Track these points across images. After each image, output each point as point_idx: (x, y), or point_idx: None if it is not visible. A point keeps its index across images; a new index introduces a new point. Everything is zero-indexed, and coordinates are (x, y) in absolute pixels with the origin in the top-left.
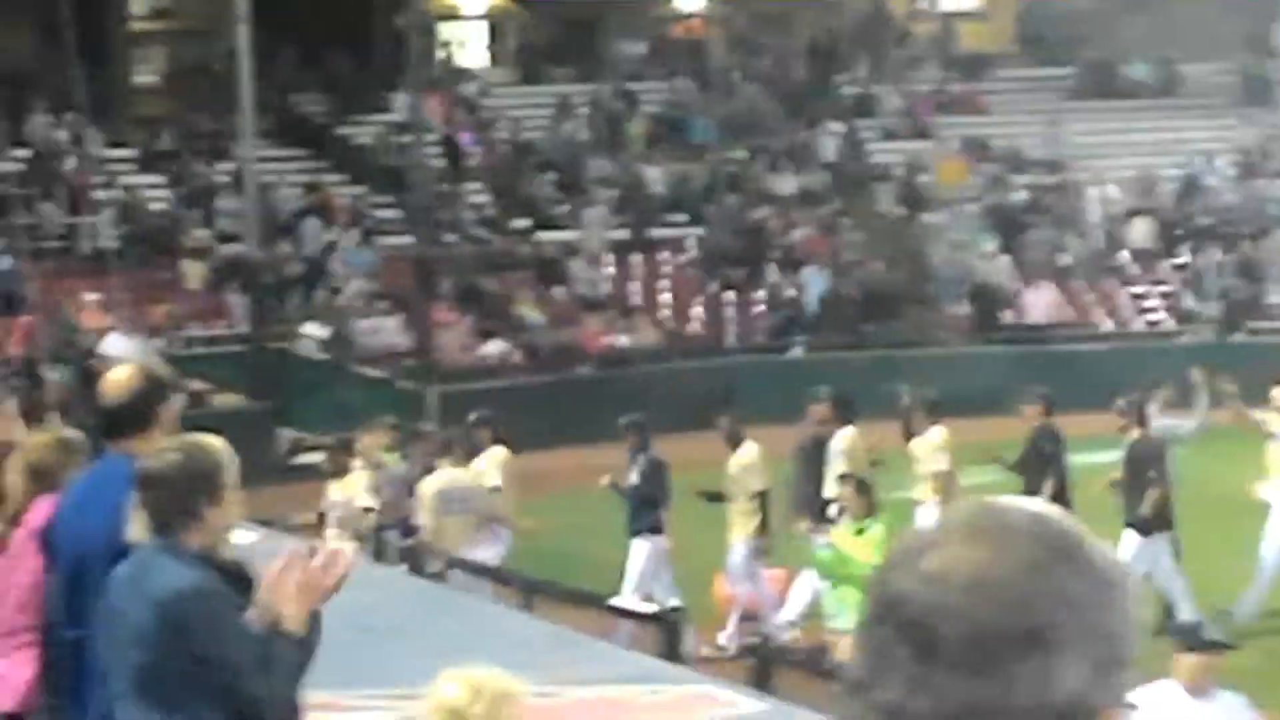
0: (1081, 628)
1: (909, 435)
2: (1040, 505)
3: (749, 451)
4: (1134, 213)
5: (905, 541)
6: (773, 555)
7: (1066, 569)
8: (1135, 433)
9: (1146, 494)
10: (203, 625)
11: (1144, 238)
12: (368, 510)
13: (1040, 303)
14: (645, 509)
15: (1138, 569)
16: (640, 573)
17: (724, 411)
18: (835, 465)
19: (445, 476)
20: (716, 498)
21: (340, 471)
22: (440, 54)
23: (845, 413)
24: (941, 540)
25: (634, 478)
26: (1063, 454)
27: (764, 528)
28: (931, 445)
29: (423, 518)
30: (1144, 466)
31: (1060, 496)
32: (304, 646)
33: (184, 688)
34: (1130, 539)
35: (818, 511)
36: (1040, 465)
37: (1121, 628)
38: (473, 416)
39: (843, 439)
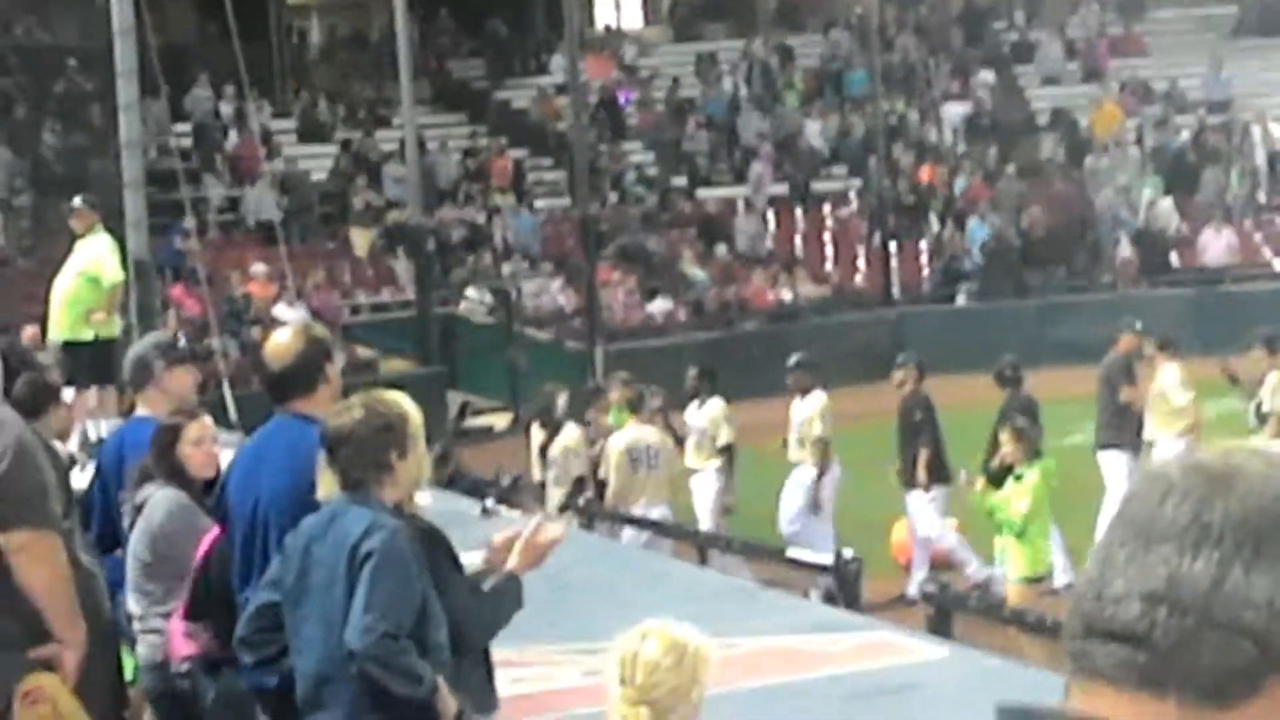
0: None
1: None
2: None
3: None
4: None
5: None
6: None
7: None
8: (909, 387)
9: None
10: (395, 565)
11: None
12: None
13: (1217, 245)
14: None
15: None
16: None
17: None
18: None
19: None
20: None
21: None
22: (596, 14)
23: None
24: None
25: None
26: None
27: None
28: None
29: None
30: (917, 421)
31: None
32: (511, 605)
33: None
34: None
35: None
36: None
37: None
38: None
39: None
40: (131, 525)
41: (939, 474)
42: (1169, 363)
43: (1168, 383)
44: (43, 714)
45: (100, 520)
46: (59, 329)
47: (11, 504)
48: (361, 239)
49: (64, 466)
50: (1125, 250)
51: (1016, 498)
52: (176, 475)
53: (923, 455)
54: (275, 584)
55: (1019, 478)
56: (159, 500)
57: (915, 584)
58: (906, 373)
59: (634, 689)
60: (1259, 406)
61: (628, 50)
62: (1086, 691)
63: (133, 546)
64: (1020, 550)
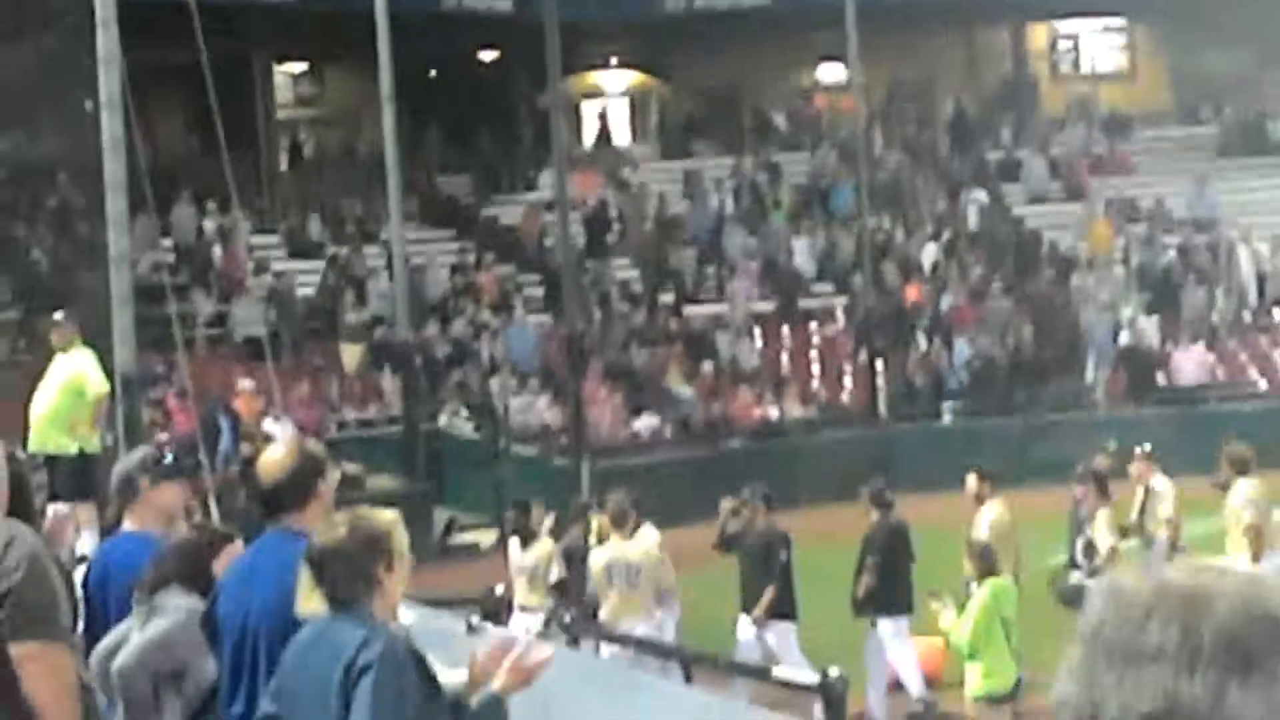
0: None
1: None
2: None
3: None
4: None
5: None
6: None
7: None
8: (759, 521)
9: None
10: (393, 677)
11: None
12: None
13: (1190, 364)
14: None
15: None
16: None
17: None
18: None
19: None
20: None
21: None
22: (584, 131)
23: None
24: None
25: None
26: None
27: None
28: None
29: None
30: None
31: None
32: None
33: None
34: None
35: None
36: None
37: None
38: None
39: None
40: (129, 629)
41: (786, 610)
42: (994, 499)
43: (986, 521)
44: None
45: (85, 636)
46: (41, 443)
47: (24, 615)
48: (351, 355)
49: (72, 581)
50: (1110, 369)
51: (963, 619)
52: (203, 589)
53: (768, 592)
54: (275, 696)
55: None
56: (179, 606)
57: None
58: (747, 506)
59: None
60: (1088, 544)
61: (616, 167)
62: None
63: (137, 645)
64: (974, 670)
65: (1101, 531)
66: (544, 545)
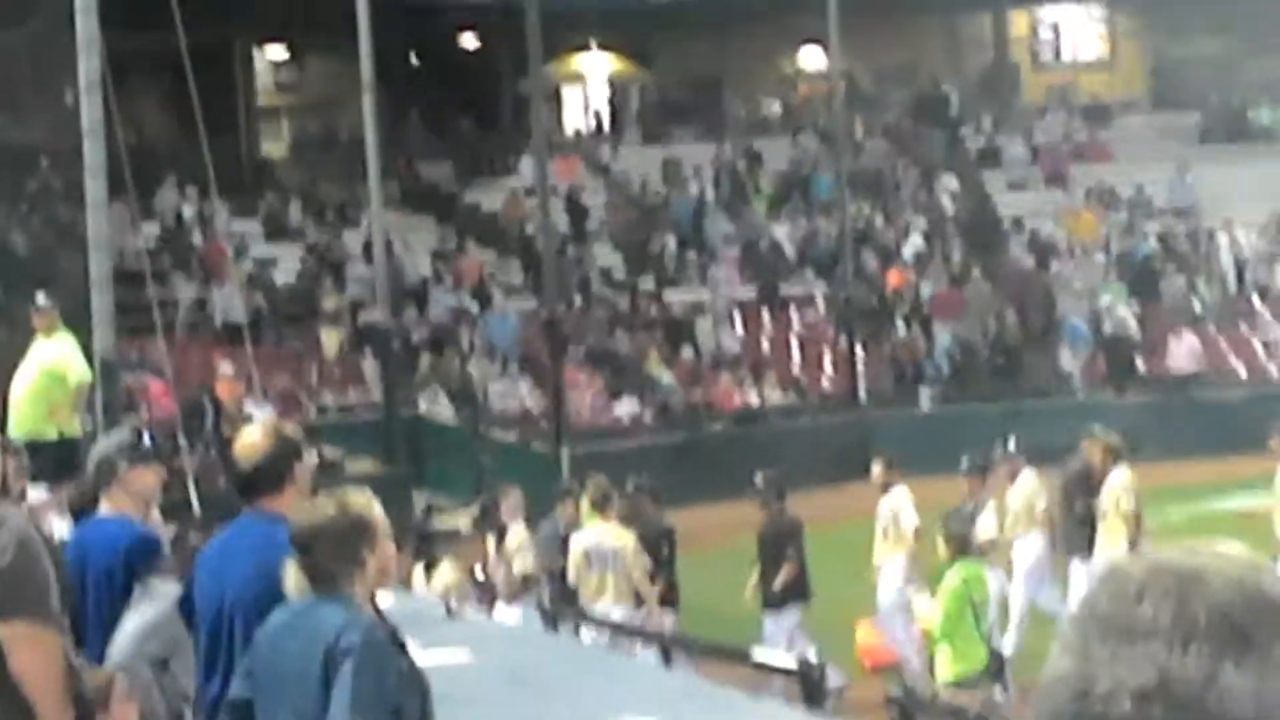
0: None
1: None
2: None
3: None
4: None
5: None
6: None
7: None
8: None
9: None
10: (374, 662)
11: None
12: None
13: (1182, 351)
14: None
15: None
16: None
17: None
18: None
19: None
20: None
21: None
22: (565, 117)
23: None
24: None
25: None
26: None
27: None
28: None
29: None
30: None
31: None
32: None
33: None
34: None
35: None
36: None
37: None
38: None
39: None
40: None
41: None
42: (900, 485)
43: (899, 504)
44: None
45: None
46: (20, 427)
47: (14, 597)
48: (330, 340)
49: (61, 563)
50: (1090, 356)
51: (934, 602)
52: None
53: (659, 583)
54: (247, 677)
55: (939, 579)
56: (166, 593)
57: None
58: (632, 500)
59: None
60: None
61: (597, 153)
62: None
63: (130, 634)
64: (943, 654)
65: (988, 517)
66: (515, 537)
